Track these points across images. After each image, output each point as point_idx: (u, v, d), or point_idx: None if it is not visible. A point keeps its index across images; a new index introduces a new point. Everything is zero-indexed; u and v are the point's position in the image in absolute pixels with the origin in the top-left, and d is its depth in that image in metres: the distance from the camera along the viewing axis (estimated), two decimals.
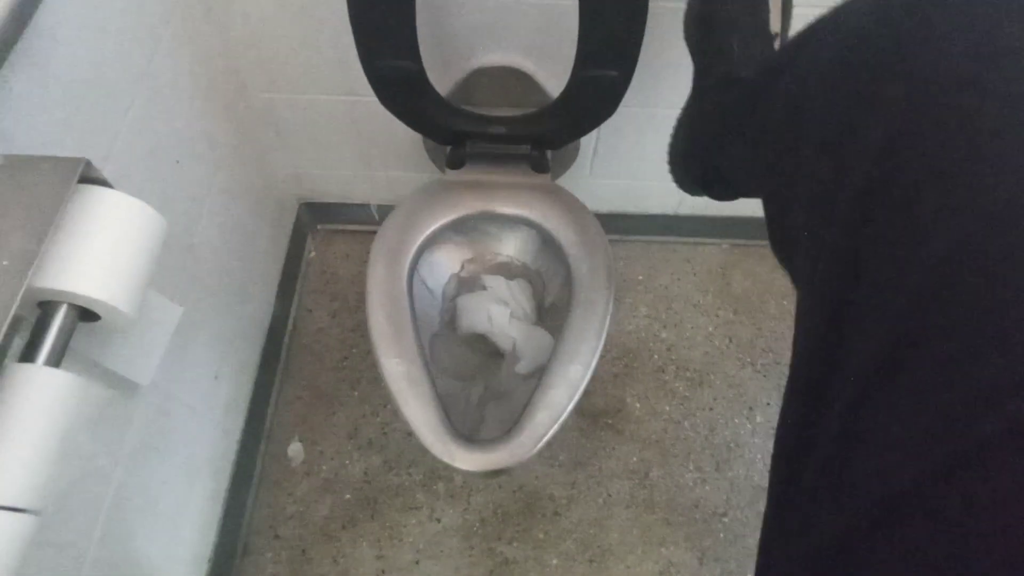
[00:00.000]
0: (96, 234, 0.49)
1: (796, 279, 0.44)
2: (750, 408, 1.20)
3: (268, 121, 1.06)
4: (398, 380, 0.76)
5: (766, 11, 0.65)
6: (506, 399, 0.89)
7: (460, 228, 0.89)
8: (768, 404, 1.20)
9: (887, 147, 0.34)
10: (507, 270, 0.95)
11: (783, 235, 0.47)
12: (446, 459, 0.72)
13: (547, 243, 0.89)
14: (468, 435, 0.77)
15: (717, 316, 1.29)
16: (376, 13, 0.69)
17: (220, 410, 1.00)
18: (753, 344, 1.26)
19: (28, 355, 0.47)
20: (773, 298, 1.31)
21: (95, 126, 0.66)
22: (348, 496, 1.11)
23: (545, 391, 0.77)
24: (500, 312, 0.93)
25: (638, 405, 1.20)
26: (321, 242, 1.37)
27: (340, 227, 1.36)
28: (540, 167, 0.90)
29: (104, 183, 0.51)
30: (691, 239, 1.36)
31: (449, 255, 0.94)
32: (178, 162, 0.83)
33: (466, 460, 0.72)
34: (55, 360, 0.47)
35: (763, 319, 1.29)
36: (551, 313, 0.92)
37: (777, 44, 0.66)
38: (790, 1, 0.68)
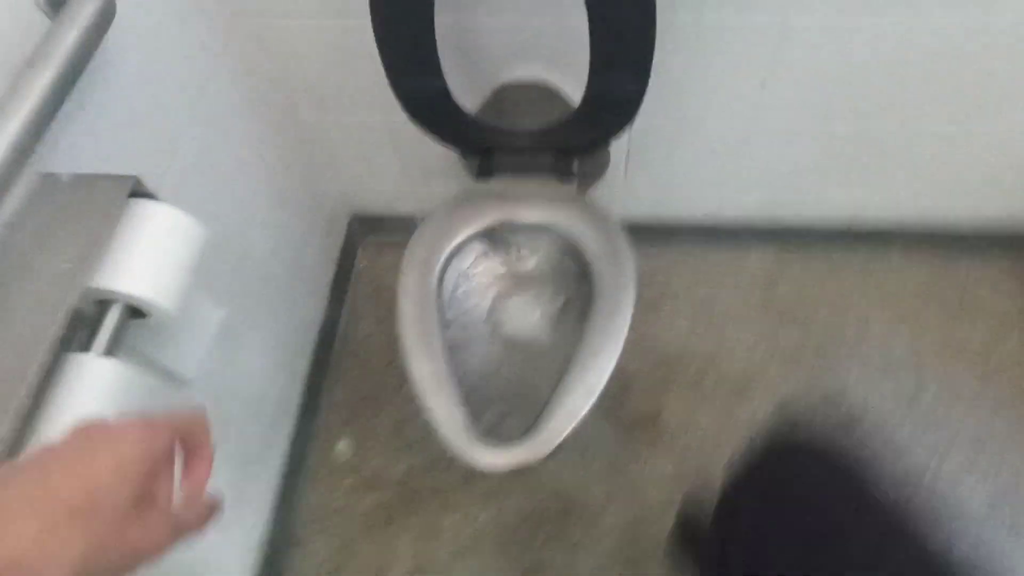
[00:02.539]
0: (143, 241, 0.56)
1: None
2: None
3: (317, 139, 1.14)
4: (424, 380, 0.80)
5: None
6: (532, 402, 0.91)
7: (487, 236, 0.93)
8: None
9: None
10: (534, 277, 0.97)
11: None
12: (464, 456, 0.75)
13: (571, 251, 0.91)
14: (492, 434, 0.80)
15: (760, 326, 1.26)
16: (399, 35, 0.74)
17: (272, 407, 1.08)
18: (798, 355, 1.23)
19: (86, 346, 0.54)
20: (821, 308, 1.27)
21: (155, 144, 0.74)
22: (390, 493, 1.16)
23: (563, 396, 0.79)
24: (535, 309, 0.96)
25: (676, 415, 1.19)
26: (371, 253, 1.44)
27: (388, 238, 1.43)
28: (566, 176, 0.93)
29: (152, 197, 0.59)
30: (734, 246, 1.34)
31: (478, 262, 0.98)
32: (231, 178, 0.91)
33: (485, 458, 0.75)
34: (109, 351, 0.54)
35: (810, 330, 1.25)
36: (566, 314, 0.94)
37: None
38: None
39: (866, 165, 1.10)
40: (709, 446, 1.15)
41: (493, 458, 0.74)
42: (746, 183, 1.17)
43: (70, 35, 0.55)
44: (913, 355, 1.21)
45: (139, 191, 0.57)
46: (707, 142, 1.07)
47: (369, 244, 1.45)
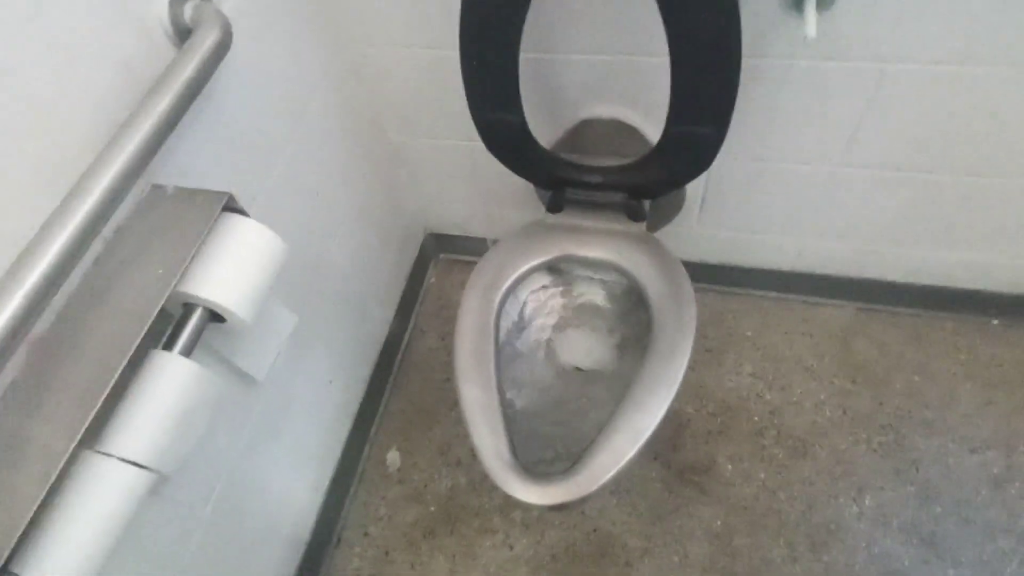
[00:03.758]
0: (230, 253, 0.61)
1: None
2: (859, 489, 1.09)
3: (401, 160, 1.20)
4: (472, 406, 0.82)
5: None
6: (581, 437, 0.91)
7: (551, 268, 0.94)
8: (882, 488, 1.08)
9: None
10: (594, 312, 0.97)
11: None
12: (504, 487, 0.76)
13: (633, 290, 0.90)
14: (536, 467, 0.81)
15: (832, 384, 1.20)
16: (484, 70, 0.77)
17: (331, 412, 1.13)
18: (871, 419, 1.15)
19: (168, 344, 0.59)
20: (902, 372, 1.19)
21: (253, 164, 0.81)
22: (433, 508, 1.18)
23: (610, 435, 0.78)
24: (592, 343, 0.96)
25: (730, 467, 1.15)
26: (441, 270, 1.48)
27: (459, 257, 1.47)
28: (636, 216, 0.93)
29: (242, 212, 0.64)
30: (810, 298, 1.28)
31: (540, 292, 0.99)
32: (318, 194, 0.97)
33: (522, 491, 0.75)
34: (187, 350, 0.59)
35: (887, 394, 1.17)
36: (623, 351, 0.94)
37: None
38: None
39: (965, 224, 1.03)
40: (762, 504, 1.10)
41: (531, 494, 0.75)
42: (828, 234, 1.12)
43: (192, 63, 0.61)
44: (1005, 436, 1.11)
45: (232, 206, 0.63)
46: (789, 189, 1.04)
47: (441, 261, 1.49)
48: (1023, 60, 0.75)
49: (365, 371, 1.25)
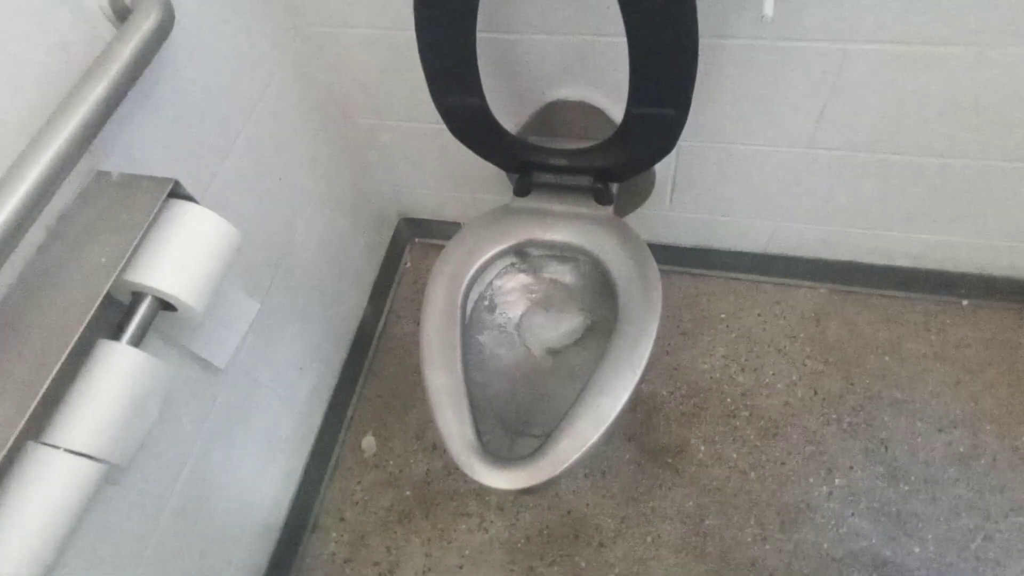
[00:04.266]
0: (178, 240, 0.60)
1: None
2: (829, 469, 1.10)
3: (370, 144, 1.18)
4: (438, 392, 0.82)
5: None
6: (548, 420, 0.91)
7: (517, 253, 0.93)
8: (851, 468, 1.09)
9: None
10: (562, 296, 0.97)
11: None
12: (469, 473, 0.76)
13: (600, 274, 0.90)
14: (505, 451, 0.81)
15: (804, 365, 1.21)
16: (441, 53, 0.76)
17: (304, 397, 1.12)
18: (842, 400, 1.16)
19: (117, 334, 0.58)
20: (873, 353, 1.20)
21: (207, 148, 0.79)
22: (408, 493, 1.19)
23: (574, 420, 0.78)
24: (560, 328, 0.96)
25: (703, 448, 1.15)
26: (417, 254, 1.47)
27: (434, 242, 1.46)
28: (603, 199, 0.92)
29: (190, 199, 0.62)
30: (783, 280, 1.28)
31: (507, 277, 0.98)
32: (281, 178, 0.96)
33: (487, 476, 0.75)
34: (136, 340, 0.59)
35: (858, 374, 1.18)
36: (592, 335, 0.94)
37: None
38: None
39: (934, 206, 1.03)
40: (733, 485, 1.11)
41: (495, 479, 0.75)
42: (800, 216, 1.11)
43: (131, 44, 0.59)
44: (973, 414, 1.12)
45: (179, 192, 0.61)
46: (759, 172, 1.03)
47: (416, 246, 1.48)
48: (984, 40, 0.75)
49: (339, 357, 1.24)
